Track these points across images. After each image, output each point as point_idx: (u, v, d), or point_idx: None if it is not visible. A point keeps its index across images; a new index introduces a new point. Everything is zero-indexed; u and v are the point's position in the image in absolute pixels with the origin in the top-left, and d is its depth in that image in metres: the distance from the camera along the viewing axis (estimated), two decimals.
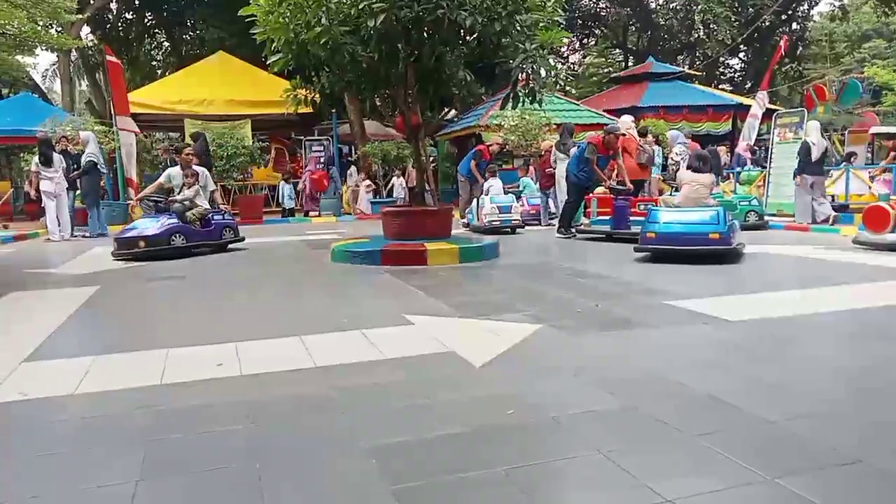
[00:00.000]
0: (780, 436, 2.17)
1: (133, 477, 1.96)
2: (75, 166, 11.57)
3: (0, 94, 24.82)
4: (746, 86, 31.45)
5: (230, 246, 9.02)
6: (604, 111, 18.84)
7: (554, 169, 11.32)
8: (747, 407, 2.41)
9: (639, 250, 6.84)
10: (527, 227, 11.49)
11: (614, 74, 29.55)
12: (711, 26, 28.00)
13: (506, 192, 13.18)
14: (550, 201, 12.04)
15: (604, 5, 33.16)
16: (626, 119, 11.38)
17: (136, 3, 25.64)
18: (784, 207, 11.20)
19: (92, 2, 21.63)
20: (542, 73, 7.03)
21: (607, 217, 9.05)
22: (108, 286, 5.79)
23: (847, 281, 5.19)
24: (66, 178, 11.16)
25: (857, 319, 3.94)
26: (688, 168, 7.30)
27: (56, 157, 11.06)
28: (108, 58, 14.56)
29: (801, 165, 9.94)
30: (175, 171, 8.87)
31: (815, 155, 9.79)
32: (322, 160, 17.23)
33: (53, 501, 1.86)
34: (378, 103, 8.11)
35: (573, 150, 11.22)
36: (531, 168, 13.97)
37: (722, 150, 15.74)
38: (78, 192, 11.94)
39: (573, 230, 9.37)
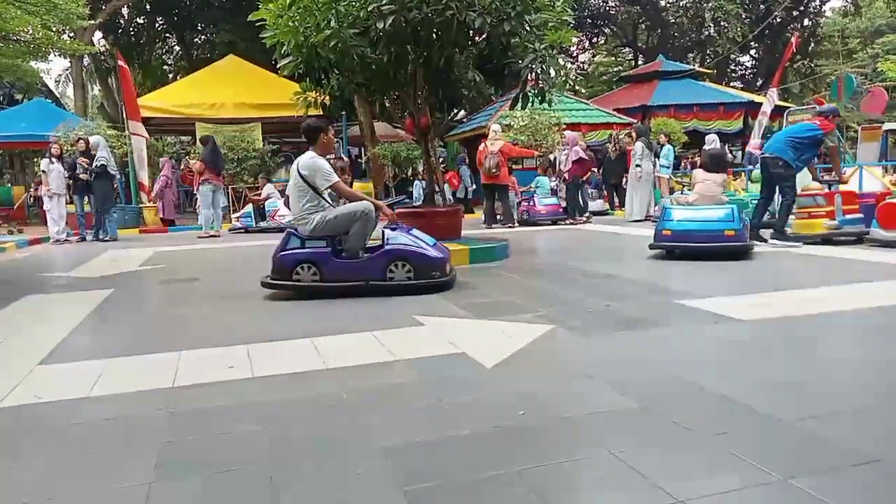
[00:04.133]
0: (794, 436, 2.15)
1: (147, 479, 1.98)
2: (72, 171, 11.87)
3: (14, 100, 25.10)
4: (758, 83, 31.28)
5: (235, 245, 9.05)
6: (614, 110, 18.79)
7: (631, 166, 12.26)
8: (761, 407, 2.39)
9: (654, 248, 6.89)
10: (538, 227, 11.52)
11: (624, 73, 29.47)
12: (722, 23, 27.90)
13: (525, 193, 13.34)
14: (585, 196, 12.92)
15: (613, 4, 33.11)
16: (497, 128, 12.24)
17: (148, 8, 25.86)
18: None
19: (104, 7, 21.83)
20: (552, 72, 7.02)
21: (858, 216, 7.57)
22: (121, 289, 5.84)
23: (861, 279, 5.13)
24: (73, 182, 11.66)
25: (871, 318, 3.90)
26: (699, 167, 7.49)
27: (43, 161, 11.97)
28: (120, 63, 14.71)
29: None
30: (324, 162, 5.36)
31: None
32: (443, 159, 17.55)
33: (68, 503, 1.88)
34: (388, 105, 8.13)
35: (662, 150, 12.12)
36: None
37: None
38: (88, 196, 12.12)
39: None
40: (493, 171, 11.47)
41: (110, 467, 2.10)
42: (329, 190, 5.22)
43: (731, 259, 6.32)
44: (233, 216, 13.90)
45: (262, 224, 13.08)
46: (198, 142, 16.25)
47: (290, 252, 5.17)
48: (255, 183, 16.22)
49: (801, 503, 1.72)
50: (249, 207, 13.54)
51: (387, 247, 5.15)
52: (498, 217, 12.14)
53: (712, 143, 14.49)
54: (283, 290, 5.19)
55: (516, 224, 12.04)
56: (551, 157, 14.22)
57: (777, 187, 7.63)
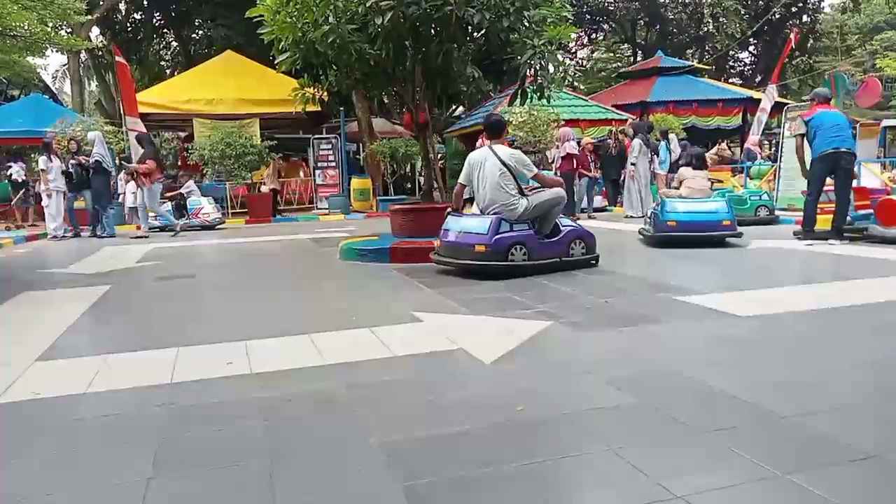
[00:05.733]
0: (792, 432, 2.16)
1: (145, 475, 1.98)
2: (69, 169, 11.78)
3: (11, 96, 25.02)
4: (756, 79, 31.24)
5: (229, 242, 8.98)
6: (613, 106, 18.75)
7: (632, 163, 12.25)
8: (759, 403, 2.40)
9: (657, 238, 7.36)
10: None
11: (623, 69, 29.40)
12: (721, 19, 27.86)
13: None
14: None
15: (612, 0, 33.02)
16: None
17: (145, 3, 25.77)
18: (795, 202, 11.10)
19: (101, 3, 21.74)
20: (550, 68, 7.02)
21: (869, 212, 7.47)
22: (118, 286, 5.83)
23: (859, 276, 5.14)
24: (69, 180, 11.61)
25: (869, 315, 3.90)
26: (686, 165, 8.19)
27: (41, 159, 11.67)
28: (117, 58, 14.65)
29: (671, 167, 12.15)
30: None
31: (674, 157, 12.37)
32: (441, 155, 17.37)
33: (67, 499, 1.88)
34: (386, 101, 8.13)
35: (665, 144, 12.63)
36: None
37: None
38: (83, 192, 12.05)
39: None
40: None
41: (109, 463, 2.10)
42: (532, 178, 5.79)
43: (730, 254, 6.37)
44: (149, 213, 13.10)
45: (182, 221, 12.64)
46: (197, 137, 16.18)
47: (504, 235, 5.51)
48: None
49: (798, 499, 1.73)
50: (168, 205, 13.04)
51: (565, 229, 5.87)
52: None
53: (673, 140, 14.49)
54: (497, 270, 5.43)
55: None
56: (548, 153, 14.20)
57: (840, 182, 7.32)
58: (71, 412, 2.58)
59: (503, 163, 5.66)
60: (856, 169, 10.31)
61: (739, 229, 7.42)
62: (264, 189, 16.40)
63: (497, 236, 5.47)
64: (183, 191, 13.50)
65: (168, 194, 13.70)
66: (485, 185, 5.71)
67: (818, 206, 7.48)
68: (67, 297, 5.41)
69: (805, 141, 7.52)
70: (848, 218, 7.44)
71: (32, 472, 2.06)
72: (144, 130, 14.51)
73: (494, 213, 5.62)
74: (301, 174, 18.58)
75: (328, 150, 17.75)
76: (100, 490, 1.92)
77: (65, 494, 1.90)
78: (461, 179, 5.98)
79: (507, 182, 5.64)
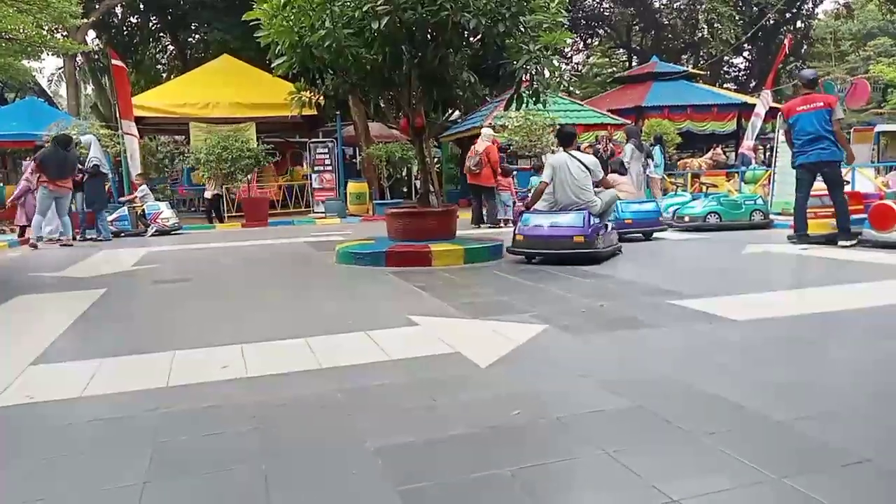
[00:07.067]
0: (787, 435, 2.16)
1: (140, 479, 1.97)
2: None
3: (6, 100, 24.95)
4: (751, 85, 31.41)
5: (224, 246, 8.98)
6: (608, 111, 18.82)
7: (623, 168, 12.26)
8: (754, 407, 2.40)
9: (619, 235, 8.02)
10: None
11: (618, 74, 29.53)
12: (715, 25, 28.00)
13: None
14: None
15: (607, 5, 33.17)
16: (487, 132, 12.52)
17: (141, 7, 25.77)
18: (789, 206, 11.12)
19: (97, 6, 21.73)
20: (546, 73, 7.05)
21: (863, 216, 7.40)
22: (114, 289, 5.81)
23: (853, 280, 5.16)
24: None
25: (864, 318, 3.92)
26: (612, 172, 9.61)
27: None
28: (114, 62, 14.64)
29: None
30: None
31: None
32: (437, 159, 17.32)
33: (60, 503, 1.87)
34: (382, 105, 8.13)
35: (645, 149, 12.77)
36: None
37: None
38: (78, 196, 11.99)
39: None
40: (474, 169, 11.70)
41: (103, 467, 2.09)
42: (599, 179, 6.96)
43: (723, 258, 6.41)
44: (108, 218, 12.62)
45: (146, 227, 12.44)
46: (193, 140, 16.13)
47: (594, 226, 6.44)
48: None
49: (795, 502, 1.73)
50: (125, 210, 12.90)
51: (609, 223, 6.96)
52: (485, 218, 12.17)
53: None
54: (592, 256, 6.33)
55: (502, 225, 11.95)
56: (543, 158, 14.24)
57: (830, 187, 7.35)
58: (65, 416, 2.57)
59: (586, 166, 6.68)
60: (849, 175, 10.38)
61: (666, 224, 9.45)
62: (207, 194, 15.67)
63: (590, 228, 6.36)
64: (138, 194, 13.26)
65: (123, 199, 13.59)
66: (569, 184, 6.64)
67: (808, 210, 7.51)
68: (62, 300, 5.40)
69: (789, 132, 7.65)
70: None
71: (25, 476, 2.05)
72: (136, 135, 14.43)
73: (578, 210, 6.48)
74: (249, 176, 16.38)
75: (325, 153, 17.76)
76: (94, 494, 1.91)
77: (58, 498, 1.89)
78: (545, 178, 6.81)
79: (589, 183, 6.68)
